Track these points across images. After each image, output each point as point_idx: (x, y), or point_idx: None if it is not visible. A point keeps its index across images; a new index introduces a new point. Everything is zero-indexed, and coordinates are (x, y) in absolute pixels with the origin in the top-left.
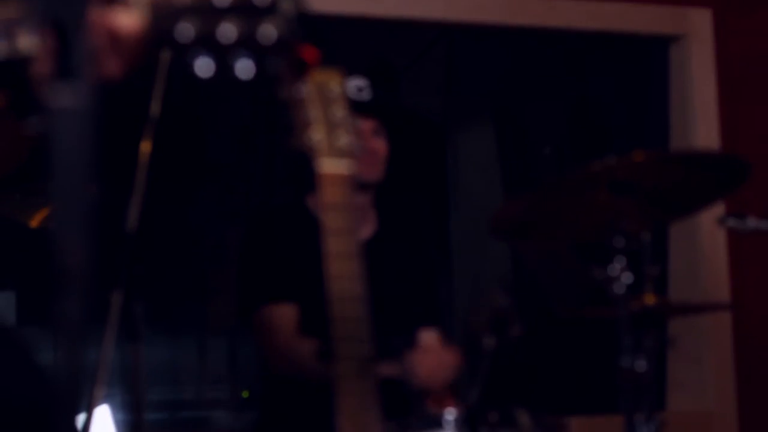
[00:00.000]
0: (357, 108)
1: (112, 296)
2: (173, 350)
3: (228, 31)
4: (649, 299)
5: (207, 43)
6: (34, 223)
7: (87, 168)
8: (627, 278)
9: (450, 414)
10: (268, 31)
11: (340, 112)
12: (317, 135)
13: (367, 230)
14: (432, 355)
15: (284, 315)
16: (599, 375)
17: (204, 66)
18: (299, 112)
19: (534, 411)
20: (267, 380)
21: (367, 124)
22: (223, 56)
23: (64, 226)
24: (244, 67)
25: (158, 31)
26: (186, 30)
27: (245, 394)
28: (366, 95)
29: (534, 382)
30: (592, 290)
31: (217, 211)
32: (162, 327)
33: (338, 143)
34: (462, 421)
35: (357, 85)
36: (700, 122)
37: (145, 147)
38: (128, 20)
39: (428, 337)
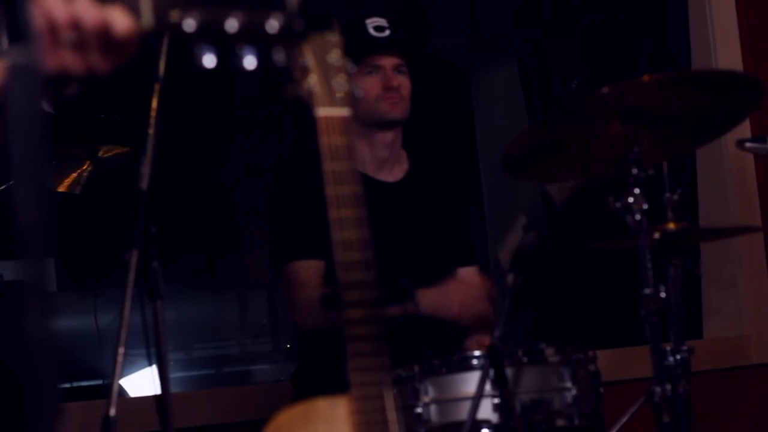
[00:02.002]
0: (377, 45)
1: (129, 256)
2: (215, 306)
3: (234, 22)
4: (671, 227)
5: (212, 34)
6: (62, 188)
7: (41, 126)
8: (644, 206)
9: (475, 353)
10: (275, 23)
11: (335, 57)
12: (314, 82)
13: (399, 171)
14: (464, 285)
15: (309, 270)
16: (630, 307)
17: (208, 59)
18: (296, 60)
19: (561, 345)
20: (303, 331)
21: (388, 61)
22: (228, 48)
23: (20, 184)
24: (249, 60)
25: (162, 23)
26: (191, 21)
27: (288, 346)
28: (386, 33)
29: (562, 316)
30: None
31: (250, 165)
32: (202, 284)
33: (336, 88)
34: (487, 360)
35: (376, 24)
36: (720, 45)
37: (154, 105)
38: (123, 19)
39: (466, 272)
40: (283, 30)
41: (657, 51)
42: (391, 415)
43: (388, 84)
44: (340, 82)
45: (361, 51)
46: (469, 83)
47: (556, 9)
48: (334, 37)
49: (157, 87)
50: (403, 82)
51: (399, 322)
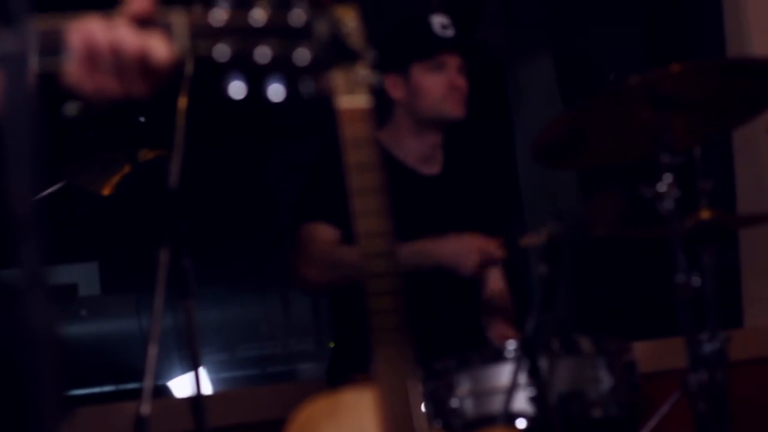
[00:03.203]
0: (446, 45)
1: (159, 253)
2: (258, 307)
3: (264, 52)
4: (705, 214)
5: (243, 63)
6: (106, 191)
7: (33, 113)
8: (675, 194)
9: (509, 345)
10: (303, 54)
11: (356, 46)
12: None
13: (435, 166)
14: (461, 238)
15: (325, 231)
16: (668, 298)
17: (237, 88)
18: (318, 85)
19: (596, 336)
20: (338, 325)
21: (453, 61)
22: (257, 77)
23: (14, 174)
24: (276, 90)
25: (196, 51)
26: (223, 50)
27: (332, 345)
28: (450, 32)
29: (597, 307)
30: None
31: (293, 166)
32: (246, 285)
33: (356, 78)
34: (521, 352)
35: (441, 22)
36: (754, 31)
37: (182, 104)
38: (162, 47)
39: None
40: (314, 61)
41: (692, 40)
42: (417, 405)
43: (454, 84)
44: (361, 71)
45: (428, 48)
46: (505, 75)
47: (592, 1)
48: (354, 25)
49: (184, 85)
50: (464, 83)
51: (423, 310)
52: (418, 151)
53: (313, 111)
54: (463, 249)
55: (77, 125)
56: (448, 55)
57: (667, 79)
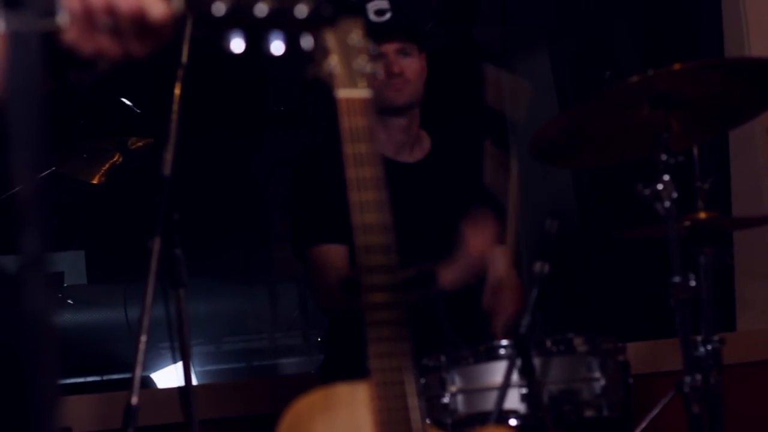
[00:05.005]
0: (377, 31)
1: (151, 243)
2: (245, 300)
3: (263, 7)
4: (702, 215)
5: (241, 19)
6: (96, 180)
7: (39, 94)
8: (673, 194)
9: (502, 343)
10: (303, 9)
11: (356, 38)
12: (335, 63)
13: (419, 152)
14: (480, 230)
15: (335, 253)
16: (661, 299)
17: (237, 44)
18: (317, 41)
19: (590, 335)
20: (331, 322)
21: (389, 47)
22: (257, 33)
23: (19, 154)
24: (276, 45)
25: (194, 9)
26: (220, 6)
27: (319, 339)
28: (387, 16)
29: (591, 306)
30: None
31: (282, 159)
32: (233, 277)
33: (356, 69)
34: (514, 350)
35: (377, 8)
36: (753, 33)
37: (177, 91)
38: (158, 5)
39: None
40: (312, 15)
41: (690, 40)
42: (413, 401)
43: (390, 71)
44: (361, 64)
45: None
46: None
47: None
48: (356, 19)
49: (180, 73)
50: (407, 65)
51: (420, 306)
52: (389, 140)
53: (308, 96)
54: (467, 258)
55: (69, 113)
56: (384, 41)
57: (666, 78)
